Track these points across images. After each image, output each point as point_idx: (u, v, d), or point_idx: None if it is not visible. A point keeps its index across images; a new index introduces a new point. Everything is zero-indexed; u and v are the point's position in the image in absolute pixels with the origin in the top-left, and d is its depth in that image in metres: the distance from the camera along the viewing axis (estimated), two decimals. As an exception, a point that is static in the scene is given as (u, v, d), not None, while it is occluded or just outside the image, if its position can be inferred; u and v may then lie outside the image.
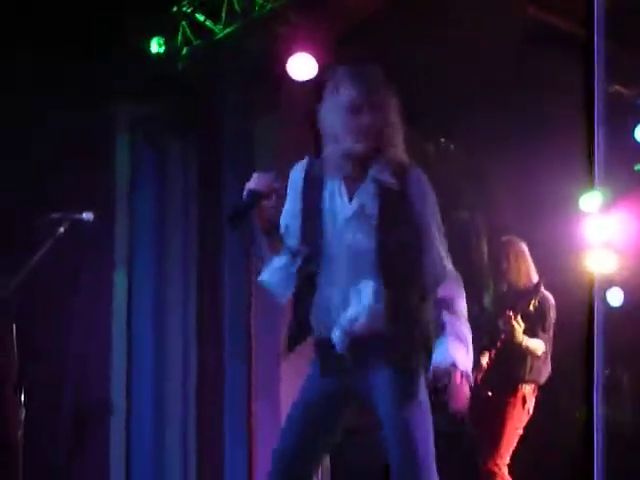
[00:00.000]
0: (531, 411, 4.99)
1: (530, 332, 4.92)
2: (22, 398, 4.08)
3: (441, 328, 2.94)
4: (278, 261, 3.03)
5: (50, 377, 5.45)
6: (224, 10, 5.74)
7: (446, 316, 2.95)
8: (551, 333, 5.02)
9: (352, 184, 3.00)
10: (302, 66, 5.49)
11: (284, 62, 5.51)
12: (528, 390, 4.99)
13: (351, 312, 2.90)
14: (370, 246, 2.92)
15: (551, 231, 6.01)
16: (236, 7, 5.68)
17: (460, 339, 2.93)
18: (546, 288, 5.05)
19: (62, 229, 4.05)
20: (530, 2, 5.58)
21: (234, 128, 6.26)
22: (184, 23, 5.94)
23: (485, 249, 6.60)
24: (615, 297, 6.33)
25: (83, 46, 5.58)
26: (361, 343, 2.89)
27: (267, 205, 2.98)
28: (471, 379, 2.90)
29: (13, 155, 5.45)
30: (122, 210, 6.15)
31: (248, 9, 5.63)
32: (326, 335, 2.93)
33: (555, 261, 5.92)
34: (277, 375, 5.85)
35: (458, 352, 2.91)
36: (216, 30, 5.83)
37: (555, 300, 5.11)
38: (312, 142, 6.56)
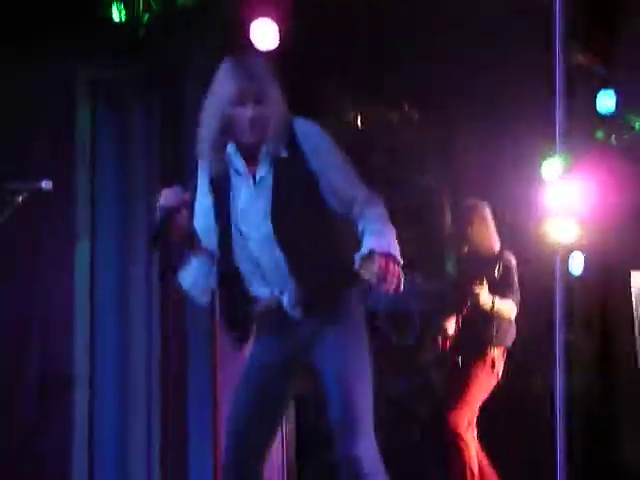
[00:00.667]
0: (500, 374, 5.04)
1: (496, 295, 4.96)
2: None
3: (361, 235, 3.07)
4: (195, 261, 3.22)
5: (11, 345, 5.43)
6: (186, -25, 5.69)
7: (361, 224, 3.10)
8: (518, 295, 5.06)
9: (251, 170, 3.20)
10: (264, 33, 5.44)
11: (247, 29, 5.46)
12: (497, 353, 5.05)
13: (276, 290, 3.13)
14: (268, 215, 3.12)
15: (513, 197, 6.05)
16: (198, -28, 5.62)
17: (374, 232, 3.05)
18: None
19: (20, 198, 4.01)
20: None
21: (196, 95, 6.19)
22: (144, -12, 5.87)
23: (449, 215, 6.64)
24: (577, 264, 6.38)
25: (41, 10, 5.50)
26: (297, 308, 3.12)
27: (180, 218, 3.13)
28: (398, 260, 2.94)
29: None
30: (83, 178, 6.08)
31: (210, -26, 5.57)
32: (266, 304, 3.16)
33: (517, 228, 5.97)
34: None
35: (374, 241, 3.01)
36: (177, -4, 5.77)
37: (518, 267, 5.15)
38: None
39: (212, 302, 6.02)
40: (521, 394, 6.46)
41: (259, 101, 3.16)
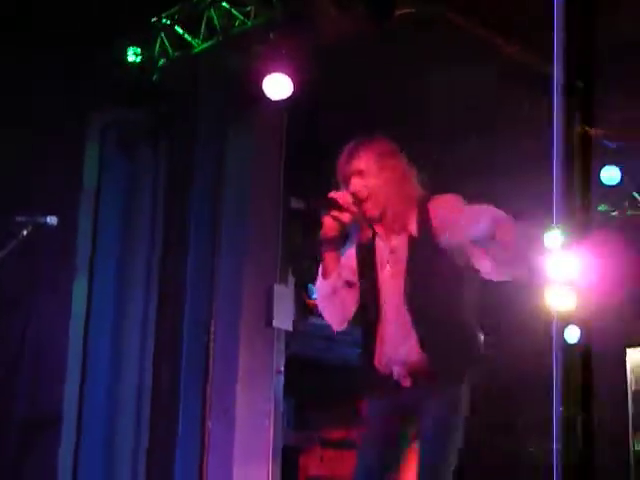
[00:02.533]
0: None
1: None
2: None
3: None
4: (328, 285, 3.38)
5: (1, 382, 5.39)
6: (203, 25, 5.76)
7: None
8: None
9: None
10: (278, 85, 5.51)
11: (260, 80, 5.53)
12: None
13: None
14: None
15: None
16: (216, 22, 5.69)
17: None
18: (508, 323, 5.03)
19: (25, 232, 4.03)
20: (507, 44, 5.64)
21: (206, 140, 6.27)
22: (162, 34, 5.95)
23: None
24: (572, 334, 6.38)
25: (57, 49, 5.57)
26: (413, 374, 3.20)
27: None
28: None
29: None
30: (86, 214, 6.11)
31: (227, 25, 5.65)
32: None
33: (517, 296, 5.97)
34: (233, 394, 5.84)
35: None
36: (194, 44, 5.84)
37: (517, 335, 5.11)
38: (280, 159, 6.62)
39: (207, 348, 6.09)
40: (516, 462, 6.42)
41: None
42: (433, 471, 3.13)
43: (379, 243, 3.32)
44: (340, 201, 3.27)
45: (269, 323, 6.10)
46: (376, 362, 3.26)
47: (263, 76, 5.50)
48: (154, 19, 5.92)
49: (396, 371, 3.22)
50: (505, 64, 5.67)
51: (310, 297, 6.94)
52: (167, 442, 5.95)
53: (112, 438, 6.05)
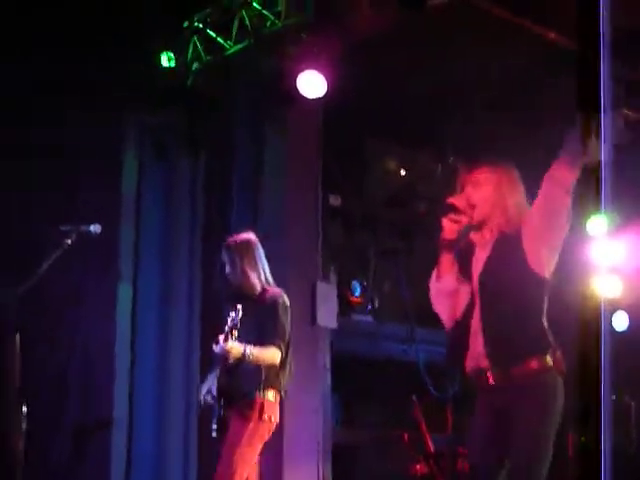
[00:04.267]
0: (274, 419, 4.56)
1: (251, 345, 4.41)
2: (24, 409, 4.06)
3: None
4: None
5: (53, 389, 5.44)
6: (235, 27, 5.77)
7: None
8: (286, 337, 4.44)
9: None
10: (311, 83, 5.51)
11: (294, 79, 5.53)
12: (267, 399, 4.50)
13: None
14: None
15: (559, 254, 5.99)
16: (247, 24, 5.70)
17: None
18: (552, 313, 4.94)
19: (69, 241, 4.08)
20: (548, 28, 5.60)
21: (243, 143, 6.28)
22: (195, 38, 5.97)
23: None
24: (620, 321, 6.32)
25: (94, 57, 5.61)
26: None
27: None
28: None
29: (23, 166, 5.47)
30: (128, 222, 6.15)
31: (259, 26, 5.65)
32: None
33: (562, 284, 5.90)
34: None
35: None
36: (226, 46, 5.85)
37: (563, 323, 5.02)
38: (317, 158, 6.61)
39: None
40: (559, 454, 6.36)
41: None
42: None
43: (477, 249, 3.55)
44: (458, 205, 3.51)
45: (313, 321, 6.09)
46: (467, 360, 3.45)
47: (297, 76, 5.50)
48: (186, 23, 5.95)
49: (481, 364, 3.37)
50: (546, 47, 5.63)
51: (354, 294, 6.93)
52: (216, 443, 5.97)
53: (163, 440, 6.08)
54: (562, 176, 3.27)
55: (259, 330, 4.42)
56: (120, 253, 6.08)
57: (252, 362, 4.34)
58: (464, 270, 3.53)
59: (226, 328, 4.29)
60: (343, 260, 6.65)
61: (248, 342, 4.31)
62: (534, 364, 3.30)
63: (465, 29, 5.55)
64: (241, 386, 4.43)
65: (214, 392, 4.45)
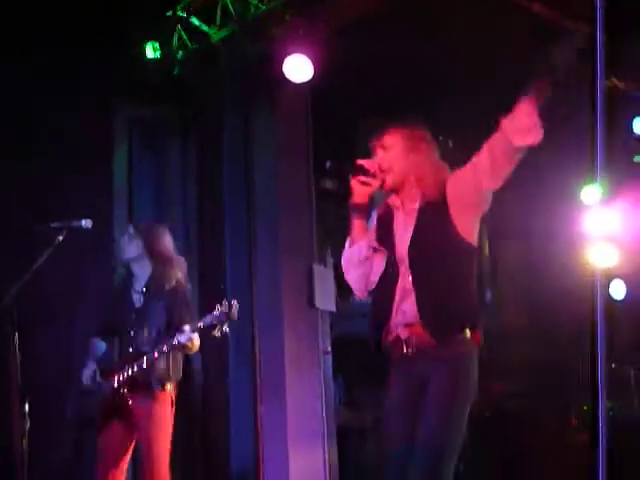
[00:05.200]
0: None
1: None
2: (26, 407, 4.05)
3: None
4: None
5: (53, 387, 5.43)
6: (219, 13, 5.74)
7: None
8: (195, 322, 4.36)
9: None
10: (298, 67, 5.48)
11: (281, 63, 5.50)
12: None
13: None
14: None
15: (552, 224, 6.00)
16: (231, 10, 5.67)
17: None
18: (547, 283, 4.96)
19: (61, 237, 4.06)
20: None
21: (231, 130, 6.26)
22: (179, 27, 5.94)
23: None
24: (618, 290, 6.32)
25: (79, 51, 5.58)
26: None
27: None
28: None
29: (12, 160, 5.44)
30: (120, 215, 6.13)
31: (242, 11, 5.62)
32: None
33: (556, 254, 5.91)
34: (282, 377, 5.85)
35: None
36: (211, 33, 5.82)
37: (557, 293, 5.05)
38: (308, 142, 6.58)
39: (252, 335, 6.11)
40: (558, 428, 6.38)
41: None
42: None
43: (398, 213, 3.43)
44: (367, 167, 3.42)
45: (311, 304, 6.09)
46: (390, 326, 3.34)
47: (283, 60, 5.47)
48: (169, 12, 5.91)
49: (401, 334, 3.30)
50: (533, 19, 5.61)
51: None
52: (221, 430, 5.99)
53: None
54: (509, 134, 3.23)
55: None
56: (113, 244, 6.04)
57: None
58: (384, 238, 3.41)
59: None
60: (339, 242, 6.63)
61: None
62: (465, 335, 3.24)
63: (453, 5, 5.51)
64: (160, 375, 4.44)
65: (99, 378, 4.51)
